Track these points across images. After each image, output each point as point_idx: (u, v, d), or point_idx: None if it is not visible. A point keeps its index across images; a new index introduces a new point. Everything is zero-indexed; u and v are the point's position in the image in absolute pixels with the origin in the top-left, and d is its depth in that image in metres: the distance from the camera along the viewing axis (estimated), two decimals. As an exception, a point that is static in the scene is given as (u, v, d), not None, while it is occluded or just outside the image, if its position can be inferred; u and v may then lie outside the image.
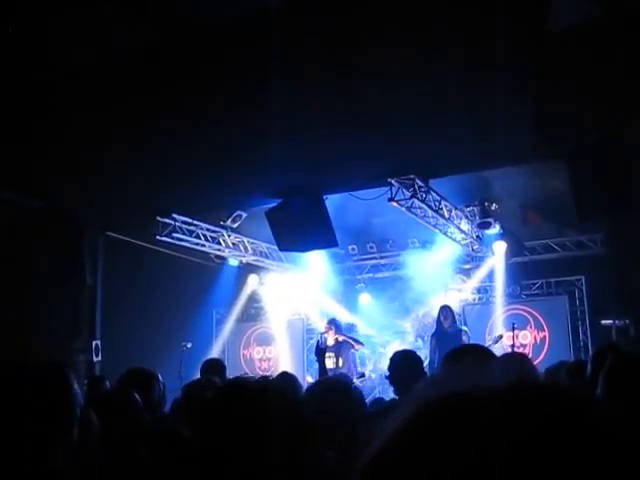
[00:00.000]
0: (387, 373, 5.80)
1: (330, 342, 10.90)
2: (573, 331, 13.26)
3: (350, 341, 11.04)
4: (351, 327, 11.56)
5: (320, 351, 7.85)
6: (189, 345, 11.78)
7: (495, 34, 5.97)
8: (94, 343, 11.05)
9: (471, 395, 0.73)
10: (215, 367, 7.09)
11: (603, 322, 11.52)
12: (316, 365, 11.28)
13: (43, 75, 7.28)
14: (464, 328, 11.40)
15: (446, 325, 10.93)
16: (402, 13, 6.15)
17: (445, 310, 11.26)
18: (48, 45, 6.79)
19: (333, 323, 11.21)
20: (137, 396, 4.28)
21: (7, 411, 2.47)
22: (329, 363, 10.67)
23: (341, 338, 10.91)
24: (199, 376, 7.00)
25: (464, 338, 10.87)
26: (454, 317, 11.29)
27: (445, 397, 0.74)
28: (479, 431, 0.69)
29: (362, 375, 9.51)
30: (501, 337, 11.14)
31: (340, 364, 10.68)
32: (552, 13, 5.95)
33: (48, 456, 2.47)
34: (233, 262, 14.46)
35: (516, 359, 5.07)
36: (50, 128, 8.05)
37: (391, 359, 5.79)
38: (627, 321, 10.21)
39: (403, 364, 5.59)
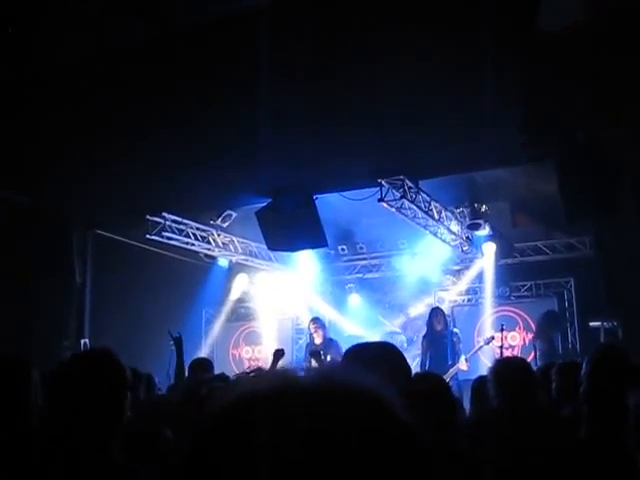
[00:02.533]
0: None
1: (318, 341, 10.91)
2: (562, 333, 13.28)
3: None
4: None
5: (313, 354, 7.87)
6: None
7: (483, 36, 6.00)
8: (82, 342, 11.01)
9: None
10: (202, 366, 7.11)
11: (591, 324, 11.54)
12: (305, 364, 11.27)
13: (30, 73, 7.26)
14: (455, 330, 11.41)
15: (438, 327, 10.96)
16: (389, 14, 6.16)
17: (437, 312, 11.29)
18: (35, 44, 6.78)
19: (319, 322, 11.23)
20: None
21: None
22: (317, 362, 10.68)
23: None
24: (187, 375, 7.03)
25: (454, 340, 10.90)
26: (446, 319, 11.33)
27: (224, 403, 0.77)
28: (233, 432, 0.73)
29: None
30: (493, 338, 11.14)
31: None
32: (540, 15, 5.97)
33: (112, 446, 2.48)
34: (223, 262, 14.44)
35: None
36: (39, 126, 8.04)
37: None
38: (615, 323, 10.24)
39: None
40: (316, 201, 10.07)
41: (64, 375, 2.62)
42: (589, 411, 3.21)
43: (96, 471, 2.42)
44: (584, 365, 3.81)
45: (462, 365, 10.61)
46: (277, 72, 6.55)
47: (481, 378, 5.98)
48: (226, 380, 6.03)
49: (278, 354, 7.58)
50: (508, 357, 9.76)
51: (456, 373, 10.44)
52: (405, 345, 13.72)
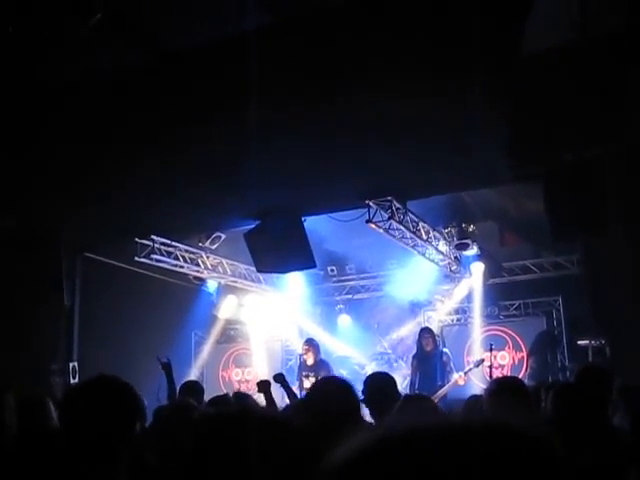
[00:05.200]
0: (361, 396, 5.75)
1: (310, 362, 10.86)
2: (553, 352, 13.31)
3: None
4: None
5: (276, 377, 7.70)
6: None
7: (469, 58, 6.05)
8: (71, 365, 10.96)
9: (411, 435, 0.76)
10: (193, 389, 7.09)
11: (579, 342, 11.60)
12: (296, 384, 11.20)
13: (20, 94, 7.27)
14: (445, 350, 11.42)
15: (427, 347, 10.97)
16: (377, 39, 6.22)
17: (426, 332, 11.31)
18: (25, 63, 6.80)
19: (311, 343, 11.17)
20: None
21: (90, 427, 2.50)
22: (308, 383, 10.62)
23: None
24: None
25: (444, 359, 10.90)
26: (435, 339, 11.34)
27: (389, 435, 0.77)
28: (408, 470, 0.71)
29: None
30: (482, 361, 11.13)
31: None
32: (525, 37, 6.04)
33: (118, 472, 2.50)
34: (212, 284, 14.46)
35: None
36: (28, 148, 8.04)
37: (365, 382, 5.75)
38: (603, 341, 10.29)
39: (377, 386, 5.57)
40: (304, 222, 10.10)
41: (78, 402, 2.67)
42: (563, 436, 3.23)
43: None
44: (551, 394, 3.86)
45: (460, 380, 10.58)
46: (264, 95, 6.59)
47: (474, 397, 6.00)
48: (219, 403, 6.00)
49: (264, 386, 7.14)
50: (505, 377, 9.74)
51: (446, 393, 10.44)
52: (395, 365, 13.71)
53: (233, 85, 6.79)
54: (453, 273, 13.79)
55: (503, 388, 4.54)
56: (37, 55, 6.72)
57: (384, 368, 13.33)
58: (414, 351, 11.46)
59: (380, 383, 5.65)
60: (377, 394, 5.39)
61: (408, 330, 14.16)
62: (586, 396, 3.88)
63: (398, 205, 9.89)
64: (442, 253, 12.66)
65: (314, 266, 10.91)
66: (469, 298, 13.94)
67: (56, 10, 6.00)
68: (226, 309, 15.25)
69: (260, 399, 6.86)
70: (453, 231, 12.53)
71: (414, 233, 11.10)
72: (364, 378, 5.93)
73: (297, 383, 11.05)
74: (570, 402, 3.80)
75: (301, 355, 11.13)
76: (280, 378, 7.65)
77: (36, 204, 9.44)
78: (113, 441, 2.54)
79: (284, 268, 11.29)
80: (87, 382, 2.75)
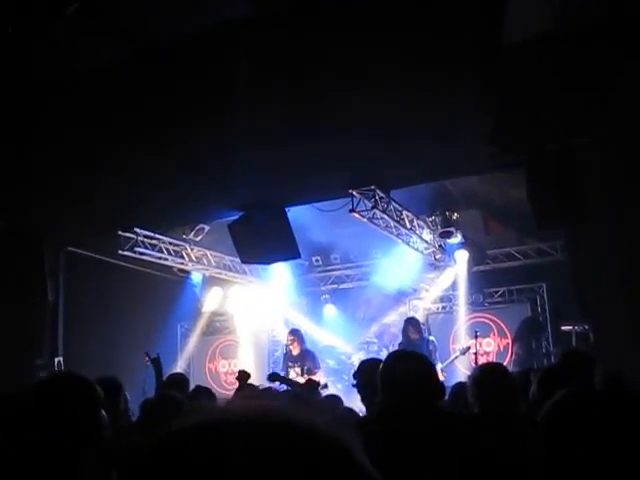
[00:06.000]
0: (354, 381, 5.81)
1: (295, 352, 10.87)
2: (538, 338, 13.38)
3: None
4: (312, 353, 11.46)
5: (270, 376, 7.87)
6: (153, 360, 11.69)
7: (453, 49, 6.06)
8: (56, 360, 10.91)
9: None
10: (177, 381, 7.10)
11: (563, 328, 11.67)
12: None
13: (4, 92, 7.22)
14: (431, 338, 11.47)
15: (413, 336, 10.99)
16: (360, 30, 6.21)
17: (412, 321, 11.34)
18: (10, 62, 6.74)
19: (296, 334, 11.18)
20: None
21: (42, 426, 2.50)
22: (294, 373, 10.65)
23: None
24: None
25: (430, 348, 10.93)
26: (420, 328, 11.37)
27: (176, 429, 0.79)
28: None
29: (325, 386, 9.49)
30: (468, 349, 11.18)
31: (305, 374, 10.65)
32: (508, 26, 6.04)
33: (78, 472, 2.50)
34: (197, 276, 14.44)
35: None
36: (9, 144, 7.98)
37: (359, 367, 5.79)
38: (586, 327, 10.35)
39: (369, 373, 5.59)
40: (288, 213, 10.08)
41: (36, 398, 2.67)
42: None
43: None
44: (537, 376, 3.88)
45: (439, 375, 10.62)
46: (249, 88, 6.57)
47: (460, 384, 6.02)
48: (207, 393, 6.03)
49: (242, 376, 7.42)
50: (488, 363, 9.79)
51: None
52: (381, 354, 13.76)
53: (217, 80, 6.76)
54: (438, 261, 13.83)
55: (486, 375, 4.56)
56: (21, 54, 6.67)
57: (369, 357, 13.37)
58: (400, 339, 11.49)
59: (372, 369, 5.67)
60: (369, 380, 5.41)
61: (394, 319, 14.20)
62: (570, 378, 3.90)
63: (381, 194, 9.90)
64: (426, 241, 12.69)
65: (299, 256, 10.91)
66: (454, 286, 13.99)
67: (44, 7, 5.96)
68: (211, 301, 15.25)
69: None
70: (437, 219, 12.56)
71: (398, 222, 11.12)
72: (352, 367, 5.98)
73: (282, 374, 11.06)
74: (555, 384, 3.82)
75: (286, 345, 11.14)
76: (275, 377, 7.80)
77: (19, 200, 9.38)
78: (78, 430, 2.54)
79: (269, 259, 11.27)
80: (42, 380, 2.80)
